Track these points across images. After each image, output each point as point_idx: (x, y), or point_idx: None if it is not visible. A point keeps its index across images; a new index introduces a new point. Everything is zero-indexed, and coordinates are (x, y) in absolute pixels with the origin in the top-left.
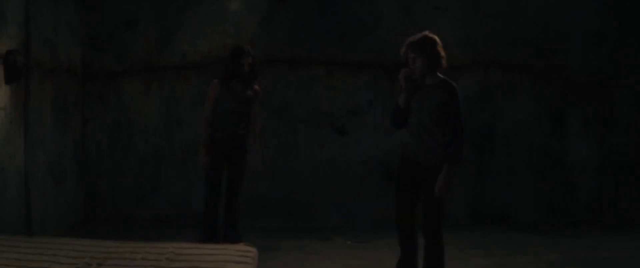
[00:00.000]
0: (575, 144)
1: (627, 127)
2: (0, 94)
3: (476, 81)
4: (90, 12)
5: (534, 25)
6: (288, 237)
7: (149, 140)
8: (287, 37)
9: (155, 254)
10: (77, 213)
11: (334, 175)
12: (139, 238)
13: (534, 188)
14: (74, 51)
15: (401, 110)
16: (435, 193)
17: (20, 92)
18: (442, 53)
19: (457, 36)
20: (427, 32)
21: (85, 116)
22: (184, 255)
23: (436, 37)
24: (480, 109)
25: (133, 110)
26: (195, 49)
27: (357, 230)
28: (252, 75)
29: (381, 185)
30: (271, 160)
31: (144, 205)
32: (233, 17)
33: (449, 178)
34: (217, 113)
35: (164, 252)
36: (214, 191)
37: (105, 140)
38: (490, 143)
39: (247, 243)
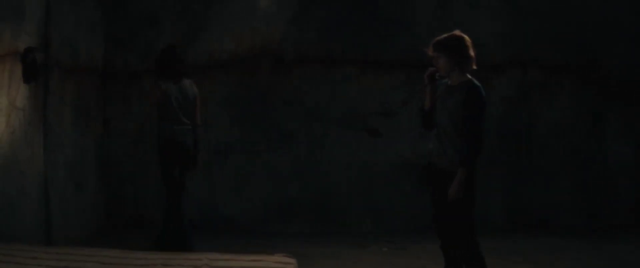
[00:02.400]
0: (615, 146)
1: None
2: (18, 94)
3: (513, 81)
4: (112, 9)
5: (573, 24)
6: (320, 243)
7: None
8: (319, 35)
9: (190, 266)
10: (98, 219)
11: (367, 178)
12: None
13: (573, 192)
14: (95, 49)
15: (424, 111)
16: (448, 199)
17: (39, 92)
18: (471, 53)
19: (494, 34)
20: (456, 31)
21: (107, 117)
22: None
23: (465, 36)
24: (517, 110)
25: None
26: (222, 47)
27: (391, 235)
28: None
29: (416, 188)
30: (302, 162)
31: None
32: (262, 14)
33: (460, 184)
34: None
35: (198, 264)
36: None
37: (128, 142)
38: (527, 145)
39: (286, 254)
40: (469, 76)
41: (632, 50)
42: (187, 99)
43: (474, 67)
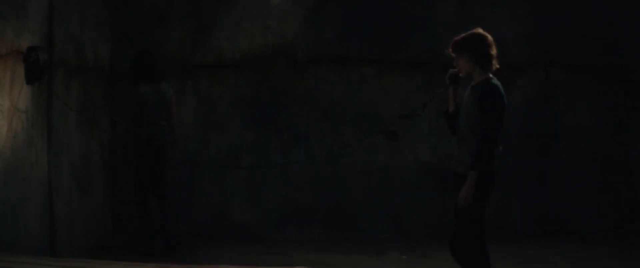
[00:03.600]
0: None
1: None
2: (20, 95)
3: (535, 82)
4: (119, 7)
5: (596, 23)
6: (338, 251)
7: (184, 144)
8: (334, 33)
9: None
10: (104, 226)
11: (385, 182)
12: (175, 254)
13: (596, 196)
14: (102, 48)
15: (447, 114)
16: (457, 205)
17: (42, 93)
18: (492, 52)
19: (516, 34)
20: (477, 29)
21: (114, 119)
22: None
23: (486, 35)
24: (540, 111)
25: None
26: (233, 46)
27: (411, 242)
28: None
29: (436, 193)
30: (317, 166)
31: (178, 216)
32: (275, 11)
33: (469, 188)
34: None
35: None
36: None
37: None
38: (550, 148)
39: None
40: (490, 75)
41: None
42: (164, 101)
43: (497, 66)
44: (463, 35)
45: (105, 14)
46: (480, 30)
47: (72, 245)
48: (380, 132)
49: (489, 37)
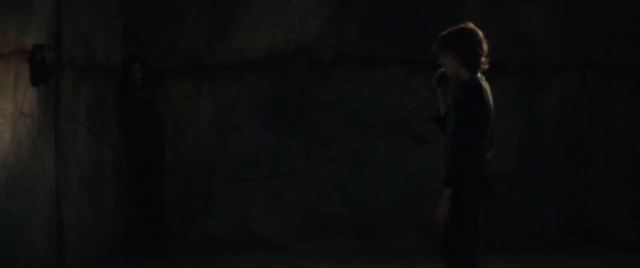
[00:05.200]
0: None
1: None
2: (25, 98)
3: (570, 83)
4: (132, 3)
5: (634, 22)
6: (364, 262)
7: (200, 150)
8: (360, 31)
9: None
10: (116, 236)
11: (413, 189)
12: (191, 265)
13: (634, 202)
14: (113, 47)
15: (437, 118)
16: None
17: (49, 96)
18: (480, 50)
19: (551, 33)
20: (467, 24)
21: (126, 123)
22: None
23: (475, 31)
24: (575, 114)
25: (181, 115)
26: (252, 45)
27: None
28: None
29: None
30: (341, 172)
31: (194, 225)
32: (297, 8)
33: (443, 206)
34: None
35: None
36: None
37: None
38: (585, 152)
39: None
40: (479, 74)
41: None
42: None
43: (485, 66)
44: (449, 30)
45: (117, 11)
46: (470, 25)
47: (81, 257)
48: (408, 136)
49: (479, 33)
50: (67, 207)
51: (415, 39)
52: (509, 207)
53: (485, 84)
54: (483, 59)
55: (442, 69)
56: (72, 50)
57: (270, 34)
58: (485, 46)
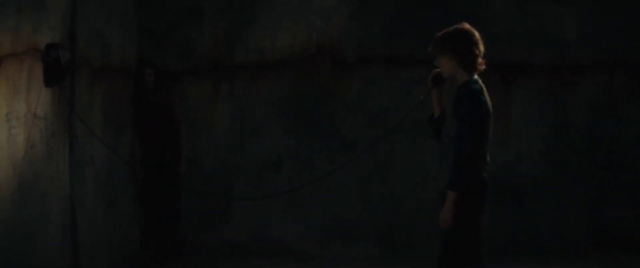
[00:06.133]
0: None
1: None
2: (39, 99)
3: (599, 86)
4: (148, 1)
5: None
6: None
7: (218, 154)
8: (384, 31)
9: None
10: (132, 243)
11: (439, 194)
12: None
13: None
14: (128, 46)
15: (431, 120)
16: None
17: (64, 97)
18: (477, 51)
19: (579, 33)
20: (463, 24)
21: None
22: None
23: (472, 31)
24: (603, 117)
25: (198, 117)
26: (273, 45)
27: None
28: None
29: (493, 205)
30: (365, 177)
31: (213, 231)
32: (319, 6)
33: (447, 210)
34: None
35: None
36: None
37: None
38: (614, 156)
39: None
40: (476, 76)
41: None
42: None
43: (482, 67)
44: (446, 30)
45: (133, 9)
46: (466, 26)
47: (95, 265)
48: (433, 139)
49: (476, 33)
50: (82, 213)
51: None
52: (535, 212)
53: (482, 86)
54: (480, 60)
55: (437, 70)
56: (87, 49)
57: (291, 33)
58: (482, 47)
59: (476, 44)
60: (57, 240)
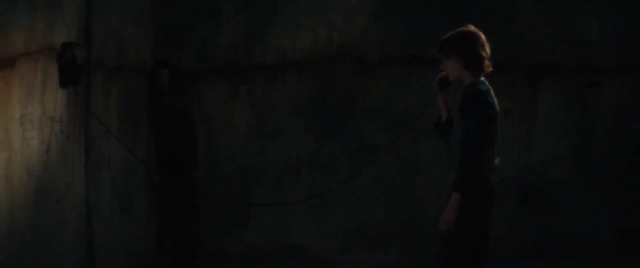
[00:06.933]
0: None
1: None
2: (54, 101)
3: (625, 87)
4: (165, 0)
5: None
6: None
7: (237, 156)
8: (407, 30)
9: None
10: (148, 248)
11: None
12: None
13: None
14: (145, 46)
15: (439, 123)
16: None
17: (79, 99)
18: (483, 53)
19: (604, 33)
20: (468, 26)
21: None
22: None
23: (478, 33)
24: (630, 118)
25: (216, 119)
26: (293, 45)
27: (491, 263)
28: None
29: (518, 208)
30: (388, 181)
31: (231, 237)
32: (340, 6)
33: (449, 212)
34: None
35: None
36: None
37: None
38: None
39: None
40: (482, 78)
41: None
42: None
43: (489, 68)
44: (451, 33)
45: (149, 7)
46: (472, 28)
47: None
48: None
49: (482, 35)
50: (98, 219)
51: None
52: (561, 215)
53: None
54: (486, 62)
55: (443, 73)
56: (102, 49)
57: (311, 33)
58: (488, 49)
59: (482, 46)
60: (72, 246)
